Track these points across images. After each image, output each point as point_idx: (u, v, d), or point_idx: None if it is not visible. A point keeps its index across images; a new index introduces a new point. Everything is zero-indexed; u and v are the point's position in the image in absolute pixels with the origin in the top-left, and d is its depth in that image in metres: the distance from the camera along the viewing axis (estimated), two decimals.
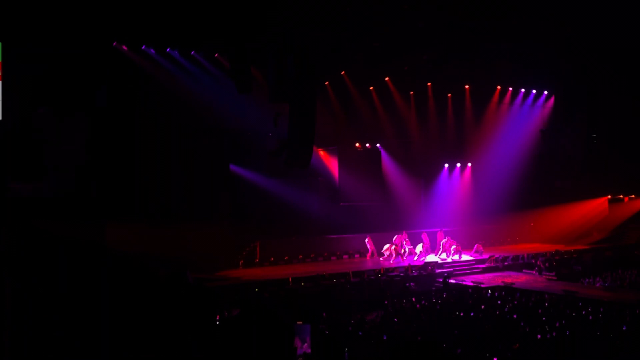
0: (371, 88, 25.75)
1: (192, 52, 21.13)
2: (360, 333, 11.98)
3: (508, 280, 20.06)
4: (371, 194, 25.40)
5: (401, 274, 19.99)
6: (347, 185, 24.99)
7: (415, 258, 22.69)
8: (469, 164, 29.09)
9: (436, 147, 27.76)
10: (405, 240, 23.23)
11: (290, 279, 18.32)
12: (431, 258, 22.80)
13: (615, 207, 31.15)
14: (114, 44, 19.57)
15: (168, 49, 20.67)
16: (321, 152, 25.16)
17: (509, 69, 25.28)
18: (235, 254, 21.65)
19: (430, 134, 27.55)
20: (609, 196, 31.40)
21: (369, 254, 23.60)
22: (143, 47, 20.19)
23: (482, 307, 14.68)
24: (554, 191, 29.73)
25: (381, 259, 22.72)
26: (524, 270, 22.42)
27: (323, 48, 19.33)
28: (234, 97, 18.61)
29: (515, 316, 13.40)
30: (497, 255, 23.27)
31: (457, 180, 29.07)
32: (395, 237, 23.36)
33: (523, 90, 29.43)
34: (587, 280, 20.23)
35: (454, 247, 23.26)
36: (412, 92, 26.87)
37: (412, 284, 19.38)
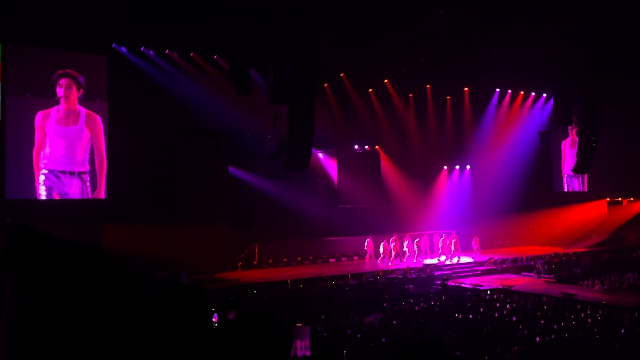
0: (370, 90, 25.73)
1: (191, 54, 21.11)
2: (359, 335, 11.96)
3: (507, 282, 20.06)
4: (370, 196, 25.38)
5: (400, 277, 19.97)
6: (345, 188, 24.98)
7: (405, 259, 22.71)
8: (468, 166, 29.08)
9: (435, 149, 27.76)
10: (406, 241, 23.28)
11: (288, 281, 18.29)
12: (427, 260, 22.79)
13: (614, 210, 31.20)
14: (113, 45, 19.58)
15: (167, 51, 20.66)
16: (320, 154, 25.14)
17: (508, 71, 25.28)
18: (233, 255, 21.63)
19: (429, 136, 27.54)
20: (608, 199, 31.45)
21: (367, 256, 23.58)
22: (142, 49, 20.19)
23: (481, 309, 14.67)
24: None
25: (378, 260, 22.73)
26: (522, 273, 22.41)
27: (322, 50, 19.32)
28: (232, 99, 18.61)
29: (514, 319, 13.38)
30: (495, 258, 23.26)
31: (456, 182, 29.07)
32: (392, 238, 23.42)
33: (522, 92, 29.48)
34: (585, 282, 20.23)
35: (453, 240, 23.33)
36: (411, 95, 26.87)
37: (410, 286, 19.36)
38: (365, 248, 23.61)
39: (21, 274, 2.49)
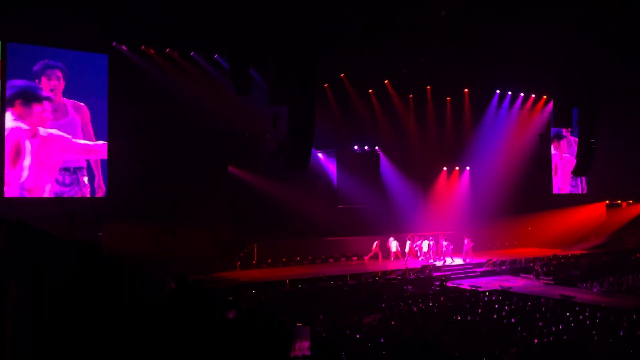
0: (370, 91, 25.74)
1: (192, 53, 21.12)
2: (358, 336, 11.96)
3: (505, 284, 20.06)
4: (369, 196, 25.38)
5: (398, 277, 19.97)
6: (345, 188, 24.98)
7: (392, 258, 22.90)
8: (468, 168, 29.10)
9: (435, 150, 27.76)
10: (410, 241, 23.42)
11: (287, 281, 18.29)
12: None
13: (613, 212, 31.22)
14: (114, 43, 19.58)
15: (168, 50, 20.66)
16: (320, 155, 25.14)
17: (509, 73, 25.30)
18: (232, 255, 21.61)
19: (429, 137, 27.55)
20: (607, 201, 31.48)
21: (367, 256, 23.56)
22: (142, 48, 20.20)
23: (480, 311, 14.67)
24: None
25: (405, 260, 22.73)
26: (521, 275, 22.42)
27: (322, 50, 19.33)
28: (232, 98, 18.61)
29: (512, 320, 13.39)
30: (494, 259, 23.27)
31: (455, 183, 29.08)
32: (390, 239, 23.52)
33: (522, 94, 29.50)
34: (584, 285, 20.24)
35: (444, 243, 23.36)
36: (411, 95, 26.87)
37: (409, 287, 19.36)
38: (375, 249, 23.57)
39: (23, 272, 2.50)
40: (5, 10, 16.72)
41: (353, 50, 21.25)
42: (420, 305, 15.76)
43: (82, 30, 18.06)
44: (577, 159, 21.09)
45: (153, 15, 17.43)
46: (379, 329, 12.85)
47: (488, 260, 23.15)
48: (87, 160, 19.37)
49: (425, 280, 20.27)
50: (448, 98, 27.71)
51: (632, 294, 18.58)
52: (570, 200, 31.32)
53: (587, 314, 14.21)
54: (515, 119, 29.70)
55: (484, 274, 22.28)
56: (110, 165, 19.60)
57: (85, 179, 19.28)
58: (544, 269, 22.17)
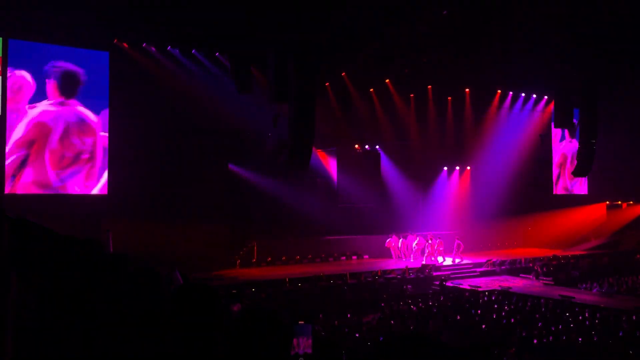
0: (371, 90, 25.73)
1: (193, 51, 21.11)
2: (357, 335, 11.96)
3: (505, 284, 20.07)
4: (370, 195, 25.39)
5: (398, 277, 19.98)
6: (345, 187, 24.98)
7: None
8: (468, 168, 29.10)
9: (435, 150, 27.75)
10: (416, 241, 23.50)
11: (287, 280, 18.30)
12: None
13: (614, 213, 31.23)
14: (115, 41, 19.57)
15: (169, 47, 20.65)
16: (320, 153, 25.14)
17: (510, 73, 25.29)
18: (232, 253, 21.63)
19: (430, 136, 27.53)
20: (608, 202, 31.49)
21: (395, 254, 23.89)
22: (144, 45, 20.18)
23: (479, 311, 14.68)
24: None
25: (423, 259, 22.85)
26: (521, 275, 22.43)
27: (323, 49, 19.32)
28: (233, 96, 18.60)
29: (512, 320, 13.39)
30: (494, 259, 23.27)
31: (455, 183, 29.08)
32: (389, 239, 23.56)
33: (523, 94, 29.49)
34: (584, 285, 20.25)
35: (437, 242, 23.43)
36: (412, 95, 26.86)
37: (409, 286, 19.37)
38: (390, 246, 23.64)
39: (25, 269, 2.49)
40: (6, 7, 16.70)
41: (354, 49, 21.23)
42: (420, 304, 15.78)
43: (83, 27, 18.04)
44: (577, 160, 21.10)
45: (154, 12, 17.41)
46: (378, 328, 12.86)
47: (488, 260, 23.15)
48: (87, 159, 19.34)
49: (424, 280, 20.28)
50: (449, 98, 27.69)
51: (631, 294, 18.59)
52: (571, 201, 31.31)
53: (586, 314, 14.22)
54: (516, 119, 29.68)
55: (483, 274, 22.28)
56: (111, 163, 19.59)
57: (86, 169, 19.27)
58: (544, 269, 22.19)
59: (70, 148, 19.07)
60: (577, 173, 21.72)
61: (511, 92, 29.01)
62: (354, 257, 24.16)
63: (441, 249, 23.45)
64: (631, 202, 31.29)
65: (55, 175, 18.78)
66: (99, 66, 19.56)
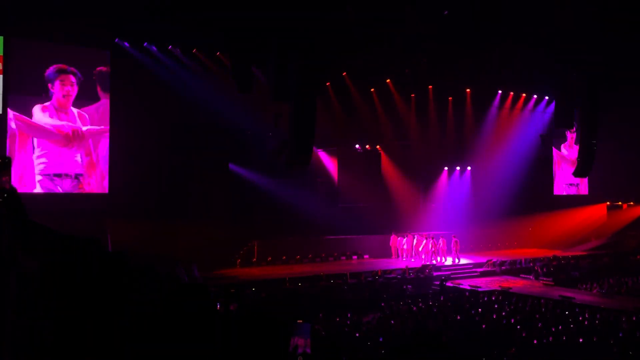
0: (372, 90, 25.73)
1: (194, 51, 21.11)
2: (357, 335, 11.97)
3: (505, 284, 20.07)
4: (370, 195, 25.39)
5: (398, 277, 19.98)
6: (346, 187, 24.99)
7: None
8: (469, 168, 29.09)
9: (436, 150, 27.75)
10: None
11: (287, 279, 18.30)
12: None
13: (614, 214, 31.22)
14: (116, 40, 19.58)
15: (170, 47, 20.66)
16: (321, 153, 25.14)
17: (511, 73, 25.28)
18: (232, 253, 21.63)
19: (431, 137, 27.53)
20: (608, 202, 31.47)
21: (403, 254, 23.92)
22: (145, 44, 20.19)
23: (479, 310, 14.68)
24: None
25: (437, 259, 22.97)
26: (521, 275, 22.43)
27: (325, 48, 19.31)
28: (234, 96, 18.60)
29: (512, 321, 13.40)
30: (494, 260, 23.27)
31: (456, 183, 29.08)
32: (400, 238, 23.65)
33: (524, 95, 29.48)
34: (584, 286, 20.24)
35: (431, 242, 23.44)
36: (413, 95, 26.86)
37: (409, 286, 19.37)
38: (399, 245, 23.67)
39: (26, 267, 2.50)
40: (7, 6, 16.71)
41: (355, 48, 21.23)
42: (420, 304, 15.78)
43: (85, 26, 18.05)
44: (578, 160, 21.07)
45: (155, 12, 17.42)
46: (378, 328, 12.86)
47: (488, 261, 23.15)
48: (89, 158, 19.35)
49: (425, 280, 20.28)
50: (450, 98, 27.68)
51: (631, 295, 18.58)
52: (571, 201, 31.30)
53: (586, 315, 14.22)
54: (517, 119, 29.68)
55: (483, 274, 22.29)
56: (112, 162, 19.59)
57: (86, 176, 19.27)
58: (544, 269, 22.18)
59: (71, 146, 19.07)
60: (577, 173, 21.69)
61: (512, 93, 29.00)
62: (354, 257, 24.16)
63: (445, 248, 23.53)
64: (632, 203, 31.27)
65: (56, 175, 18.78)
66: (100, 65, 19.57)
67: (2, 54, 17.89)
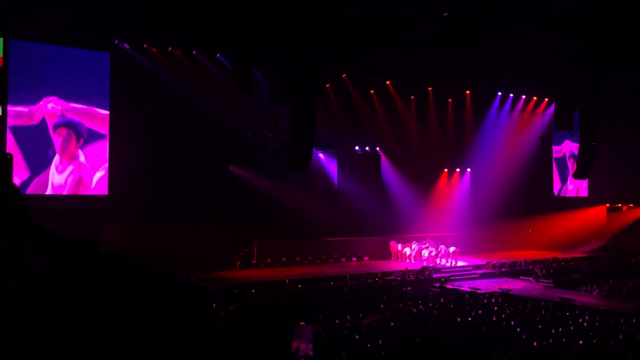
0: (372, 91, 25.73)
1: (194, 52, 21.12)
2: (357, 337, 11.94)
3: (505, 286, 20.04)
4: (370, 197, 25.37)
5: (398, 279, 19.96)
6: (346, 188, 24.97)
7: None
8: (469, 170, 29.08)
9: (436, 151, 27.74)
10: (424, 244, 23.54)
11: (287, 281, 18.28)
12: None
13: (614, 216, 31.22)
14: (116, 41, 19.58)
15: (170, 48, 20.66)
16: (321, 155, 25.13)
17: (510, 75, 25.28)
18: (232, 254, 21.61)
19: (430, 138, 27.53)
20: (608, 204, 31.47)
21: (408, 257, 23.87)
22: (145, 46, 20.19)
23: (479, 312, 14.66)
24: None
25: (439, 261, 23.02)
26: (521, 277, 22.40)
27: (324, 50, 19.32)
28: (234, 97, 18.60)
29: (512, 323, 13.37)
30: (494, 262, 23.25)
31: (456, 185, 29.07)
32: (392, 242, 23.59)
33: (524, 97, 29.49)
34: (584, 288, 20.21)
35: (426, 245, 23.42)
36: (412, 97, 26.86)
37: (409, 288, 19.35)
38: (397, 249, 23.69)
39: (25, 268, 2.49)
40: (7, 7, 16.71)
41: (355, 50, 21.23)
42: (420, 306, 15.75)
43: (84, 28, 18.06)
44: (577, 162, 21.07)
45: (155, 13, 17.41)
46: (378, 330, 12.83)
47: (488, 263, 23.14)
48: (88, 159, 19.35)
49: (424, 282, 20.26)
50: (449, 99, 27.69)
51: (631, 297, 18.56)
52: (571, 203, 31.30)
53: (586, 317, 14.20)
54: (517, 121, 29.68)
55: (483, 276, 22.26)
56: (111, 164, 19.58)
57: (87, 177, 19.26)
58: (544, 271, 22.15)
59: (71, 148, 19.06)
60: (577, 175, 21.69)
61: (512, 94, 29.01)
62: (354, 259, 24.15)
63: (446, 253, 23.57)
64: (631, 205, 31.28)
65: (56, 176, 18.76)
66: (100, 67, 19.57)
67: (2, 56, 17.89)
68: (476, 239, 27.38)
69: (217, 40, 19.78)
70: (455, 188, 29.00)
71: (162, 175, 20.61)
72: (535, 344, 11.33)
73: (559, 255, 25.80)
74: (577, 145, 21.22)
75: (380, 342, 11.31)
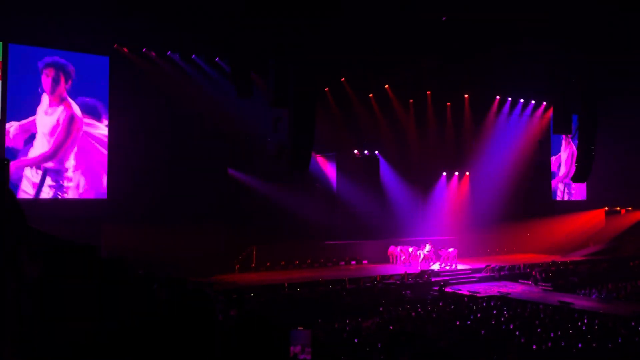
0: (371, 95, 25.78)
1: (193, 56, 21.15)
2: (356, 340, 11.94)
3: (504, 290, 20.05)
4: (369, 201, 25.38)
5: (397, 282, 19.96)
6: (345, 192, 24.98)
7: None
8: (467, 173, 29.11)
9: (434, 155, 27.77)
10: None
11: (286, 285, 18.27)
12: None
13: (612, 219, 31.26)
14: (115, 45, 19.61)
15: (169, 52, 20.70)
16: (319, 158, 25.15)
17: (509, 79, 25.35)
18: (231, 258, 21.58)
19: (429, 142, 27.56)
20: (606, 208, 31.51)
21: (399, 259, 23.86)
22: (144, 50, 20.22)
23: (479, 315, 14.66)
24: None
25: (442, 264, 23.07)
26: (520, 281, 22.41)
27: (323, 54, 19.37)
28: (233, 101, 18.63)
29: (510, 326, 13.38)
30: (493, 265, 23.26)
31: (454, 188, 29.10)
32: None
33: (522, 100, 29.55)
34: (582, 291, 20.22)
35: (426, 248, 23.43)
36: (411, 100, 26.91)
37: (408, 291, 19.34)
38: (398, 255, 23.70)
39: (24, 272, 2.51)
40: (7, 11, 16.74)
41: (354, 54, 21.28)
42: (419, 310, 15.75)
43: (84, 32, 18.09)
44: (576, 166, 21.12)
45: (154, 18, 17.47)
46: (377, 333, 12.83)
47: (487, 266, 23.14)
48: (86, 163, 19.35)
49: (423, 285, 20.26)
50: (448, 103, 27.75)
51: (630, 300, 18.58)
52: (569, 207, 31.34)
53: (585, 320, 14.21)
54: (515, 125, 29.73)
55: (482, 280, 22.26)
56: (111, 167, 19.59)
57: (86, 181, 19.26)
58: (543, 275, 22.16)
59: (70, 152, 19.07)
60: (575, 179, 21.74)
61: (510, 98, 29.07)
62: (353, 262, 24.14)
63: (444, 255, 23.56)
64: (630, 208, 31.31)
65: (55, 179, 18.76)
66: (99, 71, 19.60)
67: (1, 60, 17.91)
68: (475, 242, 27.39)
69: (216, 44, 19.83)
70: (454, 191, 29.02)
71: (161, 179, 20.59)
72: (534, 347, 11.34)
73: (558, 258, 25.80)
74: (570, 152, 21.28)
75: (379, 345, 11.31)
